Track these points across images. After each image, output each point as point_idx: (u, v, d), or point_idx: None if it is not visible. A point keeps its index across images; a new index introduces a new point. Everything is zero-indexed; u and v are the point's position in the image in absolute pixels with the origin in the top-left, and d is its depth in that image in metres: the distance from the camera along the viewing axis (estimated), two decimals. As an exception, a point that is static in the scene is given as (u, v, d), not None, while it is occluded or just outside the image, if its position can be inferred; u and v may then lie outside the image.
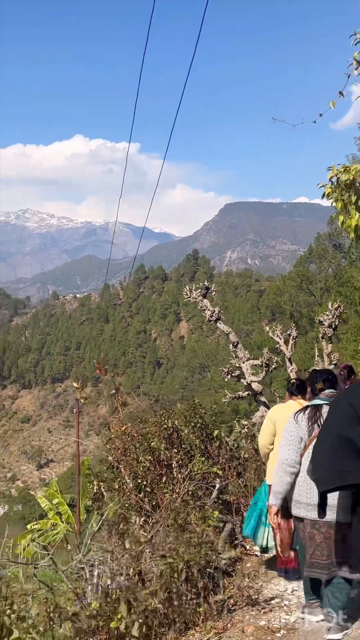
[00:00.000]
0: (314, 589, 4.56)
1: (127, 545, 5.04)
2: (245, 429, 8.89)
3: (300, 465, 4.49)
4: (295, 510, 4.52)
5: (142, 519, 7.31)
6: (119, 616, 3.44)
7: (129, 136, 11.79)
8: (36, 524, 20.07)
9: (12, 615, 2.98)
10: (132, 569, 4.77)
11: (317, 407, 4.55)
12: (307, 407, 4.66)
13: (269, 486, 5.70)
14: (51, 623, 3.40)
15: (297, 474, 4.51)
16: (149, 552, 5.52)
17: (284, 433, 4.62)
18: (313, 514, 4.30)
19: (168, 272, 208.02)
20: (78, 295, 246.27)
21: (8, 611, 2.94)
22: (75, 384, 8.81)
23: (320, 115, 5.93)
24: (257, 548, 6.80)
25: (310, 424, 4.48)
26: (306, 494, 4.41)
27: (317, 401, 4.64)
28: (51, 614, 3.38)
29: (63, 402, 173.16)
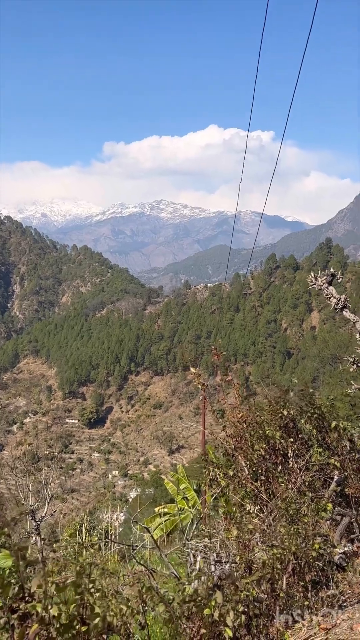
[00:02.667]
0: None
1: (235, 533, 4.98)
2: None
3: None
4: None
5: (257, 508, 7.20)
6: (213, 603, 3.37)
7: (248, 124, 11.57)
8: (163, 507, 20.53)
9: (97, 594, 2.99)
10: (238, 557, 4.69)
11: None
12: None
13: None
14: (143, 605, 3.39)
15: None
16: (259, 541, 5.41)
17: None
18: None
19: (300, 261, 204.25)
20: (209, 285, 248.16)
21: (92, 589, 2.94)
22: (192, 370, 8.78)
23: None
24: None
25: None
26: None
27: None
28: (144, 595, 3.38)
29: (194, 389, 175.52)
